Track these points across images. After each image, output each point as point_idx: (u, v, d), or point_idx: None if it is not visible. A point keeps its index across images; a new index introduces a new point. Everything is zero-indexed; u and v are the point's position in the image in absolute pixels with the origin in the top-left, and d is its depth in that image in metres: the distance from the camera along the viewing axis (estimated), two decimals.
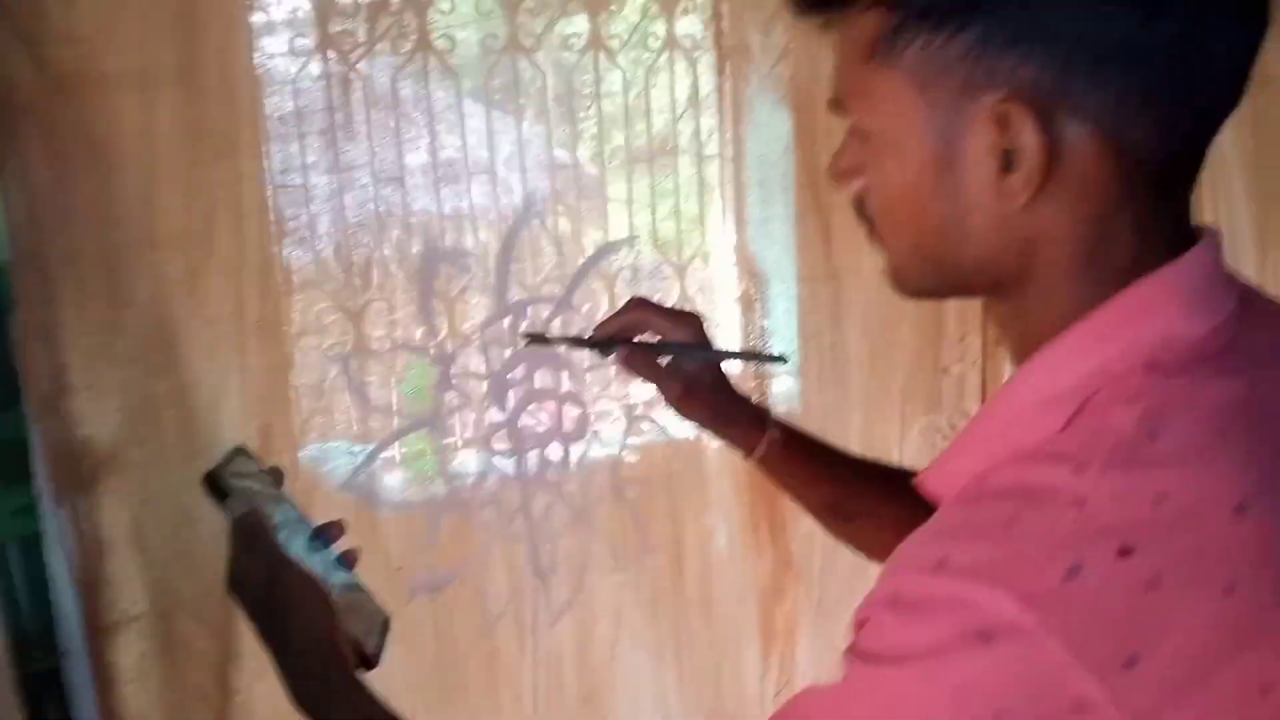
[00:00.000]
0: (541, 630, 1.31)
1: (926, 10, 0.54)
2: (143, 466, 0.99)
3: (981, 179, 0.55)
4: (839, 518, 0.92)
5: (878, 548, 0.83)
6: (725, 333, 1.43)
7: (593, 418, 1.30)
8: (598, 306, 1.28)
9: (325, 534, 0.84)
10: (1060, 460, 0.52)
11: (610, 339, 0.87)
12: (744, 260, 1.42)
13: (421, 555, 1.21)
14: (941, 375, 1.70)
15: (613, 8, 1.25)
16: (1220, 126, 0.57)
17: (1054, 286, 0.57)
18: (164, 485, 1.00)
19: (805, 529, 1.45)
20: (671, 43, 1.30)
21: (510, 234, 1.21)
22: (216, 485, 0.80)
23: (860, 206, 0.64)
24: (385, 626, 0.83)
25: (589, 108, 1.27)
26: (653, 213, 1.33)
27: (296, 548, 0.80)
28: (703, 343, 0.88)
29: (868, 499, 0.90)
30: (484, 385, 1.23)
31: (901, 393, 1.66)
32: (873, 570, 0.57)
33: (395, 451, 1.20)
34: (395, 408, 1.17)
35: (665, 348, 0.88)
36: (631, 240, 1.32)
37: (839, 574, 1.47)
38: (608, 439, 1.33)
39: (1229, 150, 2.03)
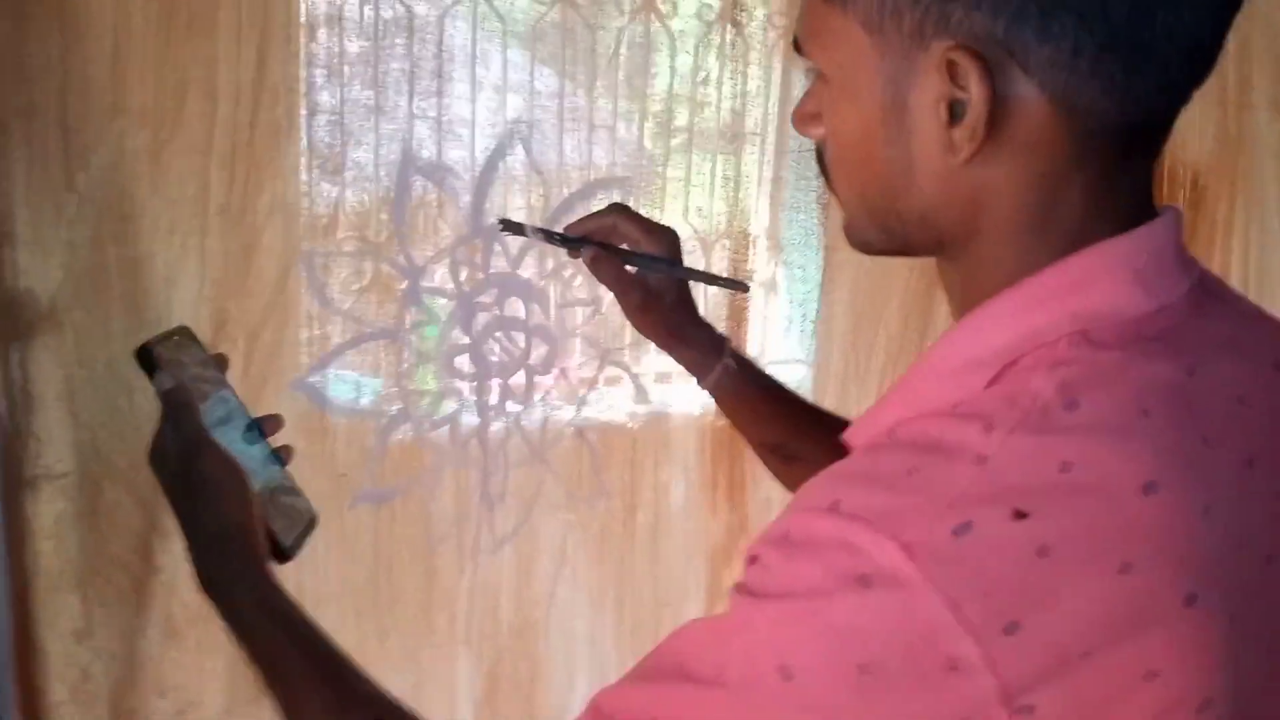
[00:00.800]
0: (482, 556, 1.31)
1: None
2: (84, 329, 0.99)
3: (928, 129, 0.54)
4: (781, 458, 0.91)
5: None
6: (752, 315, 1.41)
7: (561, 354, 1.29)
8: None
9: (262, 426, 0.84)
10: (971, 419, 0.51)
11: (583, 238, 0.86)
12: (774, 243, 1.41)
13: (368, 465, 1.21)
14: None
15: None
16: (1186, 99, 0.55)
17: (998, 247, 0.56)
18: (104, 352, 1.00)
19: (764, 493, 1.43)
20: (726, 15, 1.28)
21: (492, 156, 1.20)
22: (149, 358, 0.79)
23: (820, 155, 0.62)
24: (310, 525, 0.83)
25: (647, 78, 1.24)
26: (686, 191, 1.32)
27: (229, 435, 0.80)
28: (673, 258, 0.87)
29: (810, 444, 0.89)
30: (451, 305, 1.21)
31: (882, 370, 1.62)
32: None
33: (353, 357, 1.19)
34: (356, 314, 1.17)
35: (633, 257, 0.86)
36: (623, 180, 1.29)
37: None
38: (576, 378, 1.31)
39: (1272, 181, 1.96)
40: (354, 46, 1.08)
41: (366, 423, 1.20)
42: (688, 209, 1.35)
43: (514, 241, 1.22)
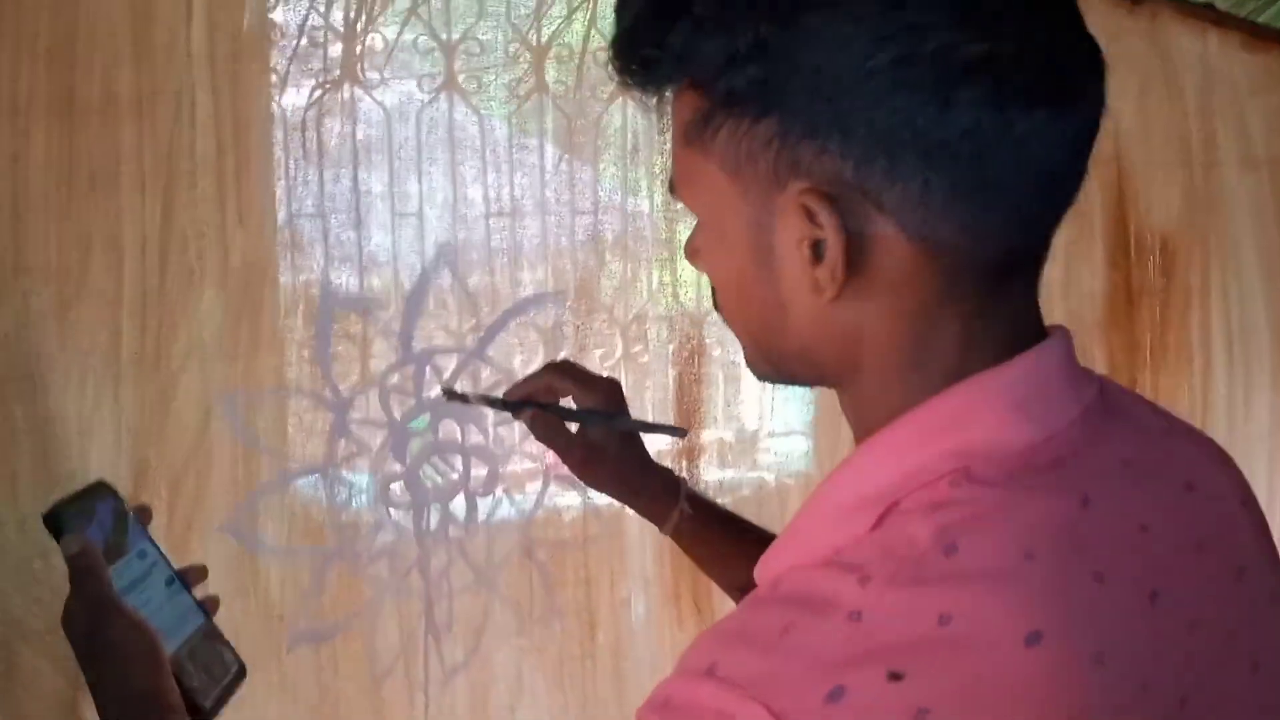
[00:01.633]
0: (433, 689, 1.27)
1: (728, 97, 0.52)
2: None
3: (795, 270, 0.52)
4: None
5: None
6: (747, 386, 1.39)
7: (503, 474, 1.26)
8: (515, 361, 1.25)
9: (185, 577, 0.82)
10: (848, 569, 0.48)
11: (522, 401, 0.86)
12: (685, 320, 1.38)
13: (305, 604, 1.18)
14: None
15: None
16: (1051, 229, 0.54)
17: (879, 382, 0.54)
18: (14, 514, 0.98)
19: (731, 601, 1.38)
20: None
21: (420, 281, 1.18)
22: (55, 521, 0.77)
23: (714, 290, 0.61)
24: (237, 677, 0.80)
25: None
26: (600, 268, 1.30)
27: (148, 593, 0.79)
28: (614, 410, 0.86)
29: None
30: (382, 434, 1.19)
31: None
32: None
33: (282, 496, 1.17)
34: (283, 452, 1.15)
35: (571, 414, 0.86)
36: (558, 294, 1.28)
37: None
38: (520, 498, 1.28)
39: (1247, 237, 1.93)
40: (265, 189, 1.07)
41: (300, 561, 1.17)
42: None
43: (446, 364, 1.20)
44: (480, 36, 1.21)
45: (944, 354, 0.53)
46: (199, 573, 0.83)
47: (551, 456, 1.26)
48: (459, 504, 1.24)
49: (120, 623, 0.73)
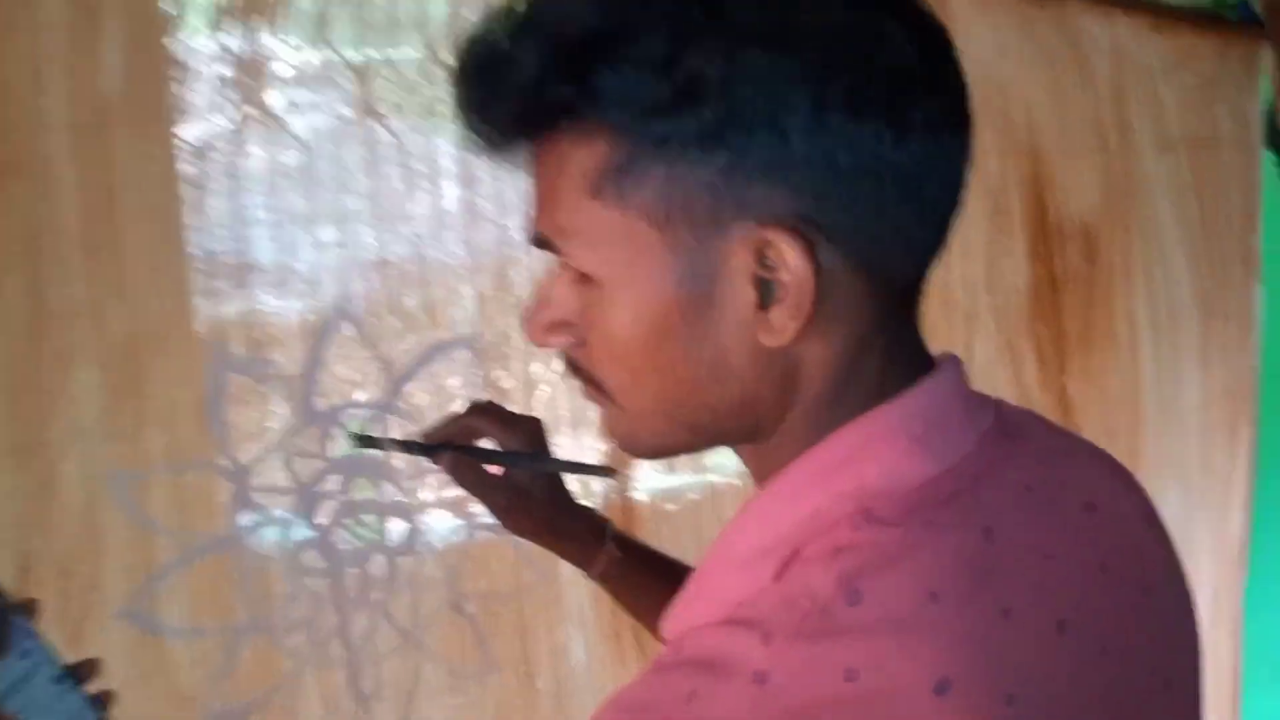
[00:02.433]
0: None
1: (664, 139, 0.48)
2: None
3: (739, 316, 0.50)
4: None
5: None
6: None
7: (423, 529, 1.20)
8: (428, 413, 1.19)
9: (76, 673, 0.77)
10: (750, 627, 0.47)
11: (441, 444, 0.82)
12: None
13: (217, 684, 1.11)
14: None
15: None
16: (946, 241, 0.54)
17: (805, 422, 0.52)
18: None
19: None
20: None
21: (318, 336, 1.12)
22: None
23: (574, 364, 0.56)
24: None
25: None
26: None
27: (32, 692, 0.73)
28: (536, 451, 0.83)
29: None
30: (289, 500, 1.13)
31: None
32: None
33: (184, 575, 1.10)
34: (181, 529, 1.08)
35: (493, 456, 0.82)
36: (471, 340, 1.22)
37: None
38: (444, 551, 1.23)
39: (1169, 217, 1.93)
40: (140, 259, 1.01)
41: (209, 640, 1.11)
42: None
43: (351, 422, 1.14)
44: (394, 56, 1.15)
45: (865, 387, 0.52)
46: (91, 667, 0.78)
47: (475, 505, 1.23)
48: (378, 565, 1.18)
49: None
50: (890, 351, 0.52)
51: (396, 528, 1.19)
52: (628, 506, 1.38)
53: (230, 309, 1.07)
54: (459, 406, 0.91)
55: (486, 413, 0.83)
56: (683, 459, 1.36)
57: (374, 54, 1.16)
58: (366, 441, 0.88)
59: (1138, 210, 1.92)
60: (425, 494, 1.20)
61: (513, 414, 0.84)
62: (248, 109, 1.08)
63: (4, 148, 0.94)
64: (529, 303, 0.56)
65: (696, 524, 1.43)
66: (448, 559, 1.23)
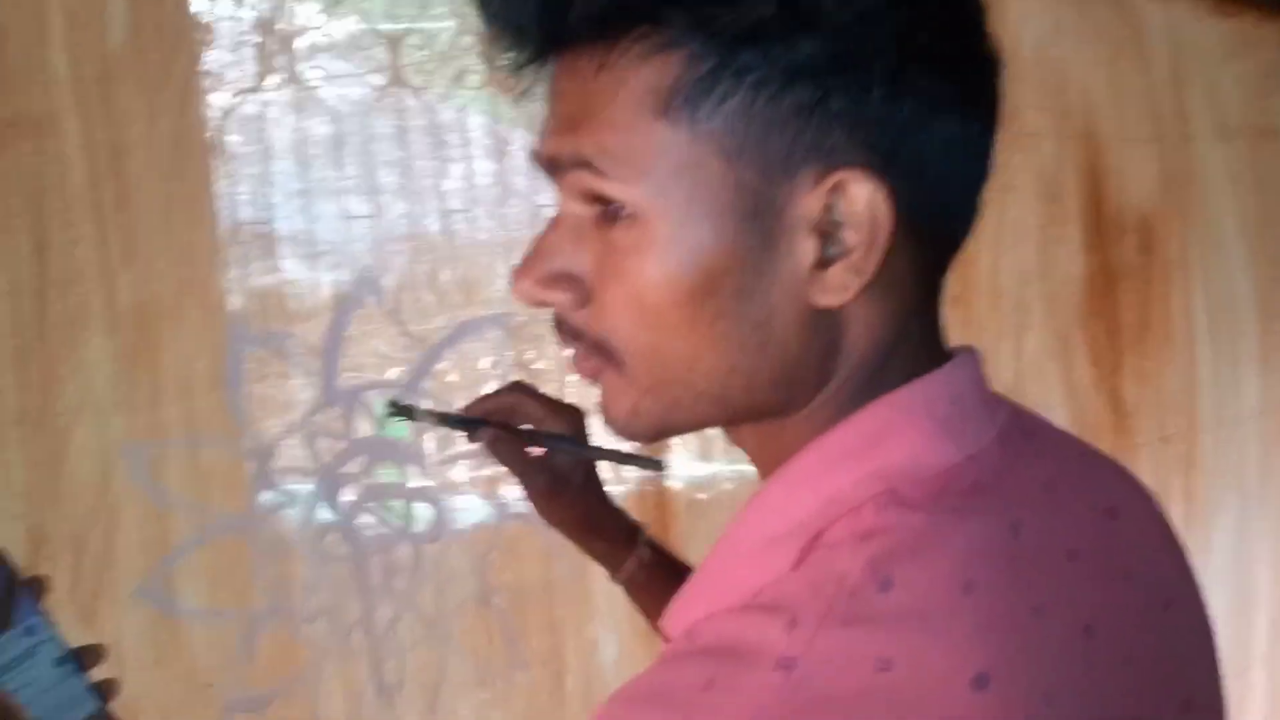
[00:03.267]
0: None
1: (753, 65, 0.44)
2: None
3: (793, 273, 0.45)
4: None
5: None
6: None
7: (450, 516, 1.15)
8: (455, 394, 1.14)
9: (81, 658, 0.73)
10: (774, 612, 0.43)
11: (480, 419, 0.77)
12: None
13: (235, 671, 1.06)
14: None
15: None
16: None
17: (836, 399, 0.48)
18: None
19: None
20: None
21: (341, 312, 1.07)
22: None
23: (569, 326, 0.49)
24: None
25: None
26: None
27: (32, 673, 0.69)
28: (579, 438, 0.79)
29: None
30: (310, 481, 1.08)
31: None
32: None
33: (201, 555, 1.05)
34: (199, 506, 1.03)
35: (537, 437, 0.78)
36: (501, 318, 1.17)
37: None
38: (470, 540, 1.17)
39: (1227, 210, 1.85)
40: (150, 219, 0.96)
41: (227, 624, 1.06)
42: None
43: (376, 401, 1.09)
44: (425, 26, 1.11)
45: (901, 367, 0.48)
46: (96, 653, 0.74)
47: (508, 490, 1.18)
48: (404, 552, 1.13)
49: None
50: (925, 333, 0.50)
51: (422, 514, 1.13)
52: (661, 493, 1.32)
53: (251, 280, 1.03)
54: (493, 386, 0.87)
55: (527, 393, 0.79)
56: (719, 444, 1.30)
57: (406, 24, 1.12)
58: (401, 411, 0.85)
59: (1195, 202, 1.84)
60: (453, 479, 1.14)
61: (554, 399, 0.80)
62: (272, 75, 1.03)
63: (9, 103, 0.90)
64: (534, 251, 0.49)
65: (730, 512, 1.36)
66: (475, 548, 1.17)
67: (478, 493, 1.17)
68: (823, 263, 0.45)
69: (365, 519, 1.10)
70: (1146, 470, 1.76)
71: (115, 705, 0.75)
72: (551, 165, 0.48)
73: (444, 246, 1.14)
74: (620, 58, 0.45)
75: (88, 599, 0.98)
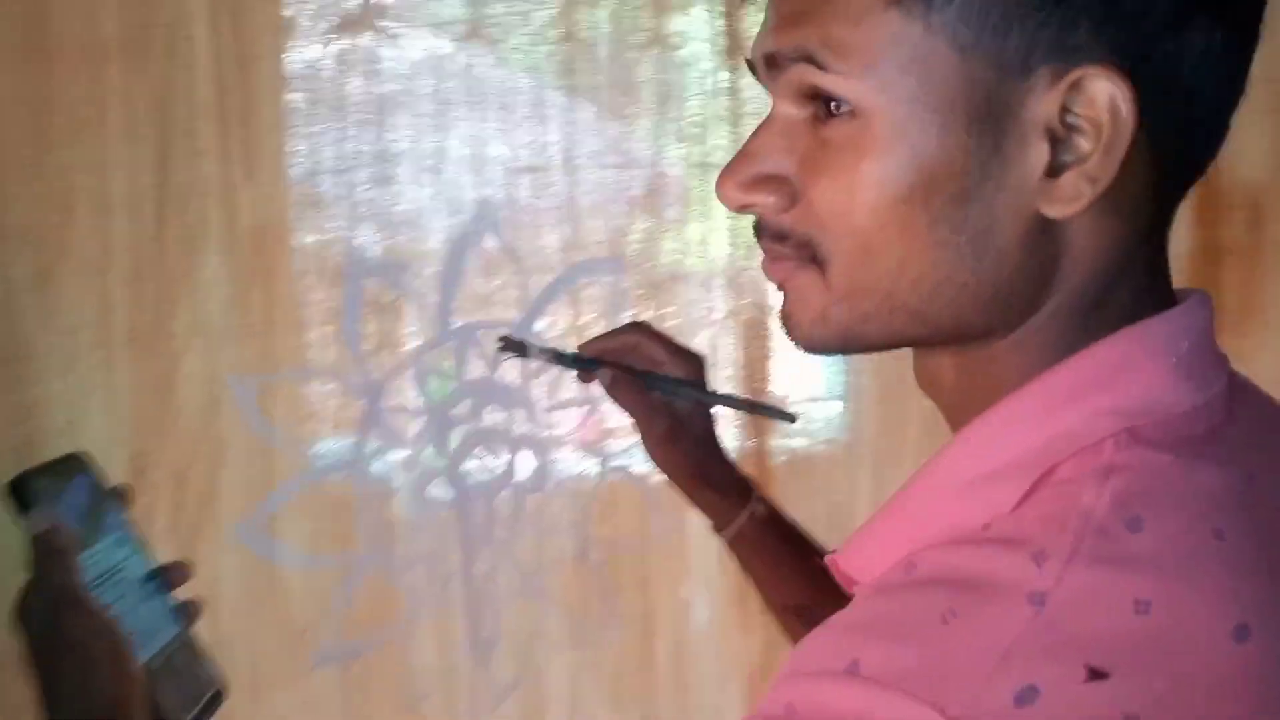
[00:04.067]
0: (481, 714, 1.11)
1: None
2: None
3: (1021, 178, 0.44)
4: (805, 623, 0.79)
5: None
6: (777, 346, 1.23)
7: (552, 466, 1.10)
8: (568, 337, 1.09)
9: (164, 576, 0.72)
10: (1013, 545, 0.41)
11: (597, 359, 0.77)
12: (737, 282, 1.24)
13: (331, 618, 1.02)
14: None
15: None
16: None
17: (1055, 324, 0.46)
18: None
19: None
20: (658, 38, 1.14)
21: (456, 247, 1.02)
22: (23, 493, 0.66)
23: (773, 228, 0.48)
24: (214, 700, 0.71)
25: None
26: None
27: (120, 588, 0.68)
28: (702, 384, 0.78)
29: (841, 607, 0.76)
30: (419, 423, 1.03)
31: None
32: None
33: (304, 495, 1.01)
34: (305, 445, 0.99)
35: (660, 381, 0.77)
36: (615, 261, 1.11)
37: None
38: (573, 492, 1.13)
39: None
40: (276, 139, 0.91)
41: (326, 569, 1.01)
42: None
43: (488, 341, 1.04)
44: None
45: (1126, 297, 0.46)
46: (181, 571, 0.73)
47: (609, 442, 1.13)
48: (504, 500, 1.08)
49: (86, 621, 0.63)
50: (1153, 264, 0.47)
51: (525, 462, 1.08)
52: (761, 452, 1.27)
53: (363, 208, 0.98)
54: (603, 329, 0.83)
55: (649, 334, 0.78)
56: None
57: None
58: (515, 348, 0.82)
59: None
60: (560, 428, 1.09)
61: (676, 342, 0.79)
62: None
63: (142, 5, 0.85)
64: (747, 151, 0.48)
65: (827, 477, 1.31)
66: (578, 500, 1.13)
67: (581, 443, 1.12)
68: (1053, 169, 0.43)
69: (470, 464, 1.05)
70: None
71: (201, 636, 0.72)
72: (769, 63, 0.46)
73: (551, 186, 1.09)
74: None
75: (187, 536, 0.94)
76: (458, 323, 1.02)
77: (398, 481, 1.03)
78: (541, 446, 1.08)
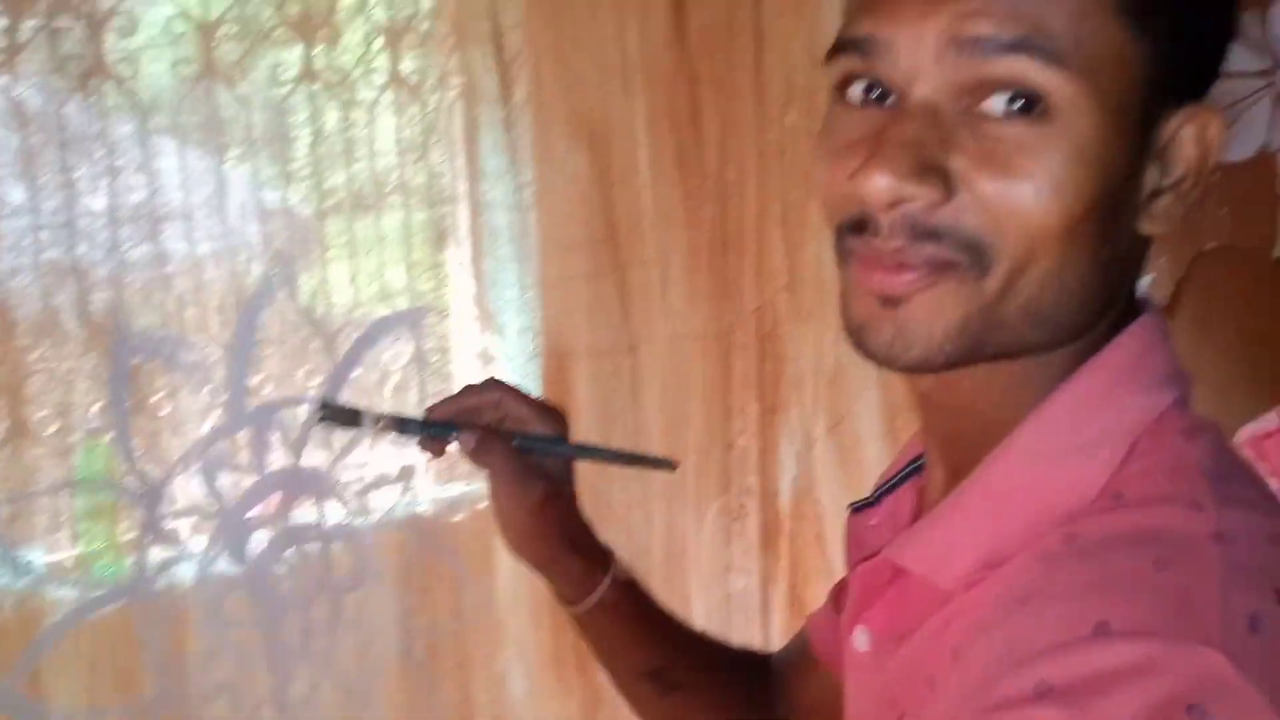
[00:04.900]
0: None
1: None
2: None
3: (1140, 197, 0.47)
4: (660, 688, 0.76)
5: None
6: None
7: (370, 556, 0.96)
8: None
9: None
10: (1166, 500, 0.44)
11: (449, 423, 0.69)
12: (484, 315, 1.20)
13: None
14: (728, 451, 1.52)
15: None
16: None
17: (1103, 327, 0.49)
18: None
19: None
20: (397, 80, 1.15)
21: (247, 315, 0.85)
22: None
23: (925, 225, 0.45)
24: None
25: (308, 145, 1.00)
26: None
27: None
28: (560, 437, 0.72)
29: (696, 671, 0.77)
30: (211, 527, 0.85)
31: (695, 474, 1.47)
32: None
33: (74, 638, 0.80)
34: (73, 574, 0.78)
35: (533, 441, 0.69)
36: (418, 314, 0.99)
37: None
38: (390, 581, 0.99)
39: None
40: None
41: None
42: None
43: (294, 422, 0.88)
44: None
45: (1127, 294, 0.51)
46: None
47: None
48: (321, 608, 0.92)
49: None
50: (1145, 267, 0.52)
51: (343, 559, 0.93)
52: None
53: (135, 274, 0.79)
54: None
55: (509, 391, 0.71)
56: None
57: None
58: (340, 416, 0.70)
59: None
60: (374, 516, 0.95)
61: (537, 398, 0.72)
62: None
63: None
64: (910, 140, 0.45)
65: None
66: (395, 589, 0.99)
67: (400, 525, 0.99)
68: (1155, 191, 0.46)
69: (277, 570, 0.89)
70: None
71: None
72: (961, 45, 0.44)
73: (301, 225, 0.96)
74: None
75: None
76: (255, 401, 0.86)
77: (189, 601, 0.84)
78: (359, 536, 0.94)
